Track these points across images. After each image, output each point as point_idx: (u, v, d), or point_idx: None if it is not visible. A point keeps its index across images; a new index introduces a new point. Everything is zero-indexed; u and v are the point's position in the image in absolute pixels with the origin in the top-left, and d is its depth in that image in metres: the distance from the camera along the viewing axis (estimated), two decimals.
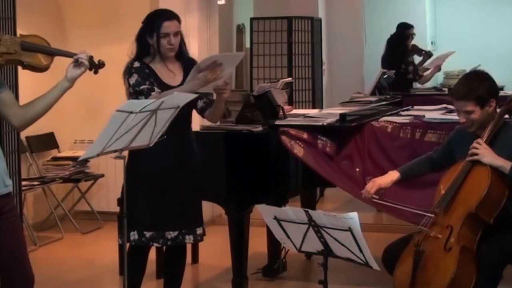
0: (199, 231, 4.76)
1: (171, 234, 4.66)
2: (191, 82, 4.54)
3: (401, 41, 9.96)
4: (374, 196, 4.51)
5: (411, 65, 9.88)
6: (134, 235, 4.63)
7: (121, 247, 4.76)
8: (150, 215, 4.60)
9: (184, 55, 4.79)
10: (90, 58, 3.96)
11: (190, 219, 4.73)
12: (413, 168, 4.67)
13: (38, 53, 3.89)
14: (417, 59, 10.23)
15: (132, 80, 4.61)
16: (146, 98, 4.50)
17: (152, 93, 4.55)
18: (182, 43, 4.74)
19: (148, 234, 4.62)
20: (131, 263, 4.64)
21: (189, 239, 4.72)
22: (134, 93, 4.60)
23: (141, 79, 4.59)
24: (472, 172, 4.23)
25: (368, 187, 4.56)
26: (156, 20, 4.66)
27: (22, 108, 3.86)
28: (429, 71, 10.13)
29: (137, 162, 4.58)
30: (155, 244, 4.70)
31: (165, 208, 4.63)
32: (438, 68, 10.23)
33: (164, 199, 4.62)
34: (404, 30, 10.05)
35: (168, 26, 4.62)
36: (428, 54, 10.30)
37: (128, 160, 4.69)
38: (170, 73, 4.70)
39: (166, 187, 4.64)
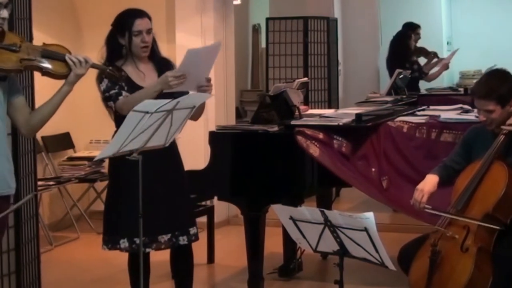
0: (192, 230, 4.70)
1: (164, 238, 4.61)
2: (154, 83, 4.49)
3: (402, 40, 9.92)
4: (426, 206, 4.33)
5: (415, 64, 9.86)
6: (124, 243, 4.58)
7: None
8: (138, 221, 4.39)
9: (156, 55, 4.71)
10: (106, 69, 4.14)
11: (182, 221, 4.67)
12: (443, 172, 4.51)
13: (58, 61, 3.92)
14: (424, 60, 10.22)
15: (103, 85, 4.55)
16: (114, 103, 4.50)
17: (120, 97, 4.50)
18: (154, 43, 4.66)
19: (138, 240, 4.46)
20: (133, 270, 4.64)
21: (183, 240, 4.66)
22: (104, 99, 4.56)
23: (111, 84, 4.52)
24: (489, 172, 4.21)
25: (417, 197, 4.36)
26: (127, 19, 4.59)
27: (30, 115, 3.93)
28: (436, 69, 10.11)
29: (120, 168, 4.49)
30: (147, 250, 4.60)
31: (153, 212, 4.52)
32: (446, 66, 10.21)
33: (152, 203, 4.50)
34: (407, 30, 10.03)
35: (140, 24, 4.55)
36: (433, 55, 10.27)
37: (110, 166, 4.67)
38: (140, 73, 4.62)
39: (152, 191, 4.53)
